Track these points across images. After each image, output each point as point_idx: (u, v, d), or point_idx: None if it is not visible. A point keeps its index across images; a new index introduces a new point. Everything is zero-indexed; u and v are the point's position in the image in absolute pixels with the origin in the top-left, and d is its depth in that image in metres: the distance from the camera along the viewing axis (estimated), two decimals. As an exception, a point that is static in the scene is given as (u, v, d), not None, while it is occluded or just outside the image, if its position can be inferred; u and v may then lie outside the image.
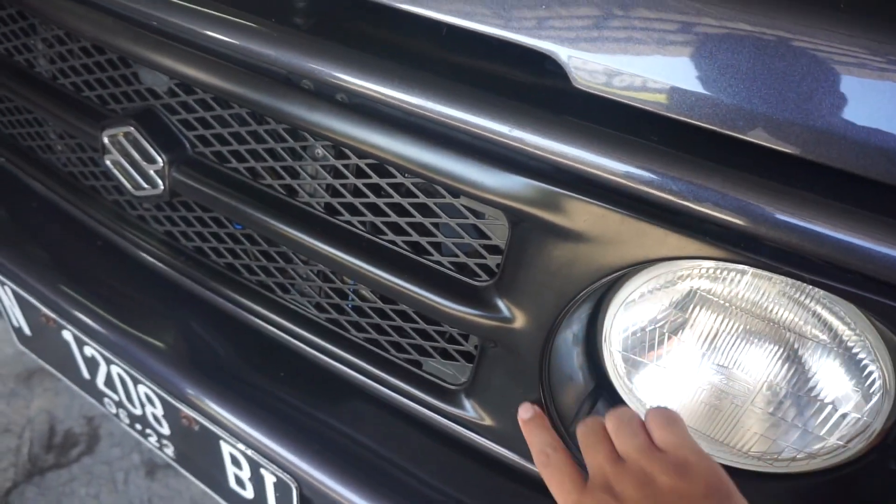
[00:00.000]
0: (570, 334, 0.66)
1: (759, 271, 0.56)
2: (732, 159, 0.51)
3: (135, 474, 1.60)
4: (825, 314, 0.56)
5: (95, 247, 0.98)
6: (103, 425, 1.68)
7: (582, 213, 0.56)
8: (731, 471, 0.66)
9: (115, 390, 0.97)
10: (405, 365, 0.75)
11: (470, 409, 0.71)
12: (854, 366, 0.57)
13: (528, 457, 0.71)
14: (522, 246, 0.60)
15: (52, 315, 0.94)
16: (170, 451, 0.98)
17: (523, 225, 0.60)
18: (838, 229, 0.48)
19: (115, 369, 0.92)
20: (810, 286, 0.55)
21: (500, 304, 0.64)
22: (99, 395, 1.02)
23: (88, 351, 0.94)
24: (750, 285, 0.58)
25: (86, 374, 1.00)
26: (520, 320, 0.63)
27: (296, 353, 0.84)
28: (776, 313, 0.58)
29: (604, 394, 0.71)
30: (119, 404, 0.99)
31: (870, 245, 0.47)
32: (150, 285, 0.92)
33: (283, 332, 0.82)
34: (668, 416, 0.54)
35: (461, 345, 0.70)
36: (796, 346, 0.58)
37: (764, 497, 0.66)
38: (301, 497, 0.80)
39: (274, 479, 0.81)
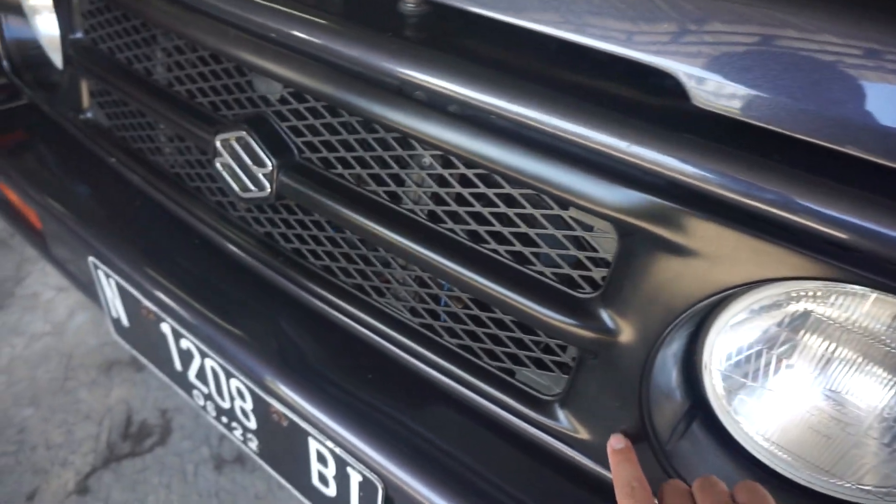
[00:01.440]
0: (672, 351, 0.65)
1: (875, 293, 0.54)
2: (850, 178, 0.51)
3: (204, 467, 1.65)
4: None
5: (195, 245, 1.03)
6: (176, 418, 1.75)
7: (694, 229, 0.56)
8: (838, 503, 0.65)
9: (205, 383, 1.01)
10: (498, 373, 0.76)
11: (564, 420, 0.71)
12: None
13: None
14: (631, 259, 0.61)
15: (153, 308, 0.99)
16: (254, 444, 1.01)
17: (633, 238, 0.60)
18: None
19: (208, 362, 0.96)
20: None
21: (605, 316, 0.64)
22: (189, 387, 1.07)
23: (184, 343, 0.99)
24: (865, 309, 0.56)
25: (178, 367, 1.05)
26: (623, 334, 0.63)
27: (385, 355, 0.86)
28: (892, 338, 0.56)
29: (700, 414, 0.70)
30: (208, 397, 1.03)
31: None
32: (248, 284, 0.96)
33: (376, 334, 0.84)
34: (757, 491, 0.54)
35: (558, 355, 0.71)
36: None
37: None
38: (386, 498, 0.81)
39: (360, 479, 0.82)
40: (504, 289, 0.68)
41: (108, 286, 1.08)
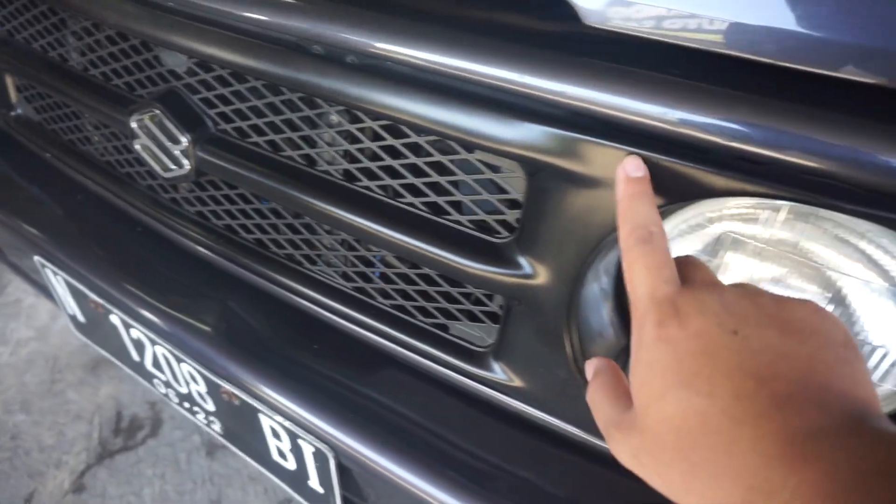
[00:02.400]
0: (598, 288, 0.63)
1: (795, 207, 0.52)
2: (754, 86, 0.48)
3: (196, 455, 1.66)
4: (870, 249, 0.52)
5: (136, 233, 1.01)
6: (165, 409, 1.75)
7: (598, 158, 0.53)
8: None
9: (161, 370, 1.00)
10: (432, 329, 0.74)
11: (498, 371, 0.69)
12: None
13: (559, 416, 0.69)
14: (540, 198, 0.58)
15: (100, 301, 0.98)
16: (217, 427, 1.01)
17: (540, 176, 0.57)
18: (875, 149, 0.44)
19: (159, 350, 0.95)
20: (850, 219, 0.50)
21: (522, 260, 0.62)
22: (149, 377, 1.06)
23: (134, 333, 0.97)
24: (784, 224, 0.54)
25: (135, 357, 1.04)
26: (542, 275, 0.61)
27: (328, 325, 0.84)
28: (815, 253, 0.54)
29: (638, 351, 0.68)
30: (167, 384, 1.03)
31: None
32: (187, 266, 0.95)
33: (314, 304, 0.82)
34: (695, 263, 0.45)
35: (486, 305, 0.69)
36: (840, 286, 0.54)
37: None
38: (339, 465, 0.80)
39: (312, 450, 0.82)
40: (421, 242, 0.65)
41: (58, 283, 1.06)
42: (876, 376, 0.55)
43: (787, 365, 0.34)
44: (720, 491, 0.33)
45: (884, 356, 0.54)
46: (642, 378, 0.38)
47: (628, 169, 0.49)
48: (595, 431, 0.68)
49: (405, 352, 0.77)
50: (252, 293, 0.89)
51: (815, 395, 0.33)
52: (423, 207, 0.67)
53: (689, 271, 0.43)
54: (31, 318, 1.99)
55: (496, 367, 0.70)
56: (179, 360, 0.92)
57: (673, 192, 0.52)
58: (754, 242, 0.56)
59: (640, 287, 0.41)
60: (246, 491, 1.59)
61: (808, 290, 0.55)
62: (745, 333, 0.35)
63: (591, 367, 0.48)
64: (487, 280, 0.63)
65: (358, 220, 0.69)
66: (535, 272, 0.61)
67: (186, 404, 1.03)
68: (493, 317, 0.70)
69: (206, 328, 0.88)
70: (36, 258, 1.05)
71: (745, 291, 0.39)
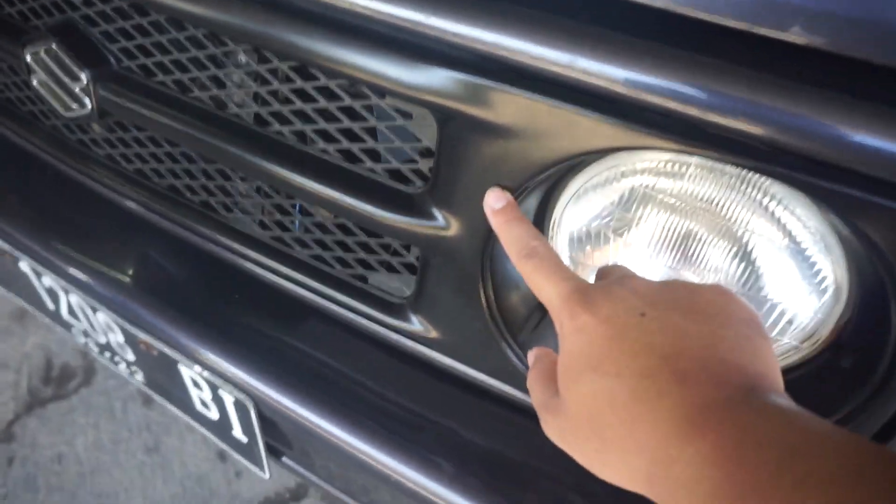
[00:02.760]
0: (513, 241, 0.62)
1: (703, 163, 0.52)
2: (666, 36, 0.46)
3: (132, 403, 1.64)
4: (774, 208, 0.52)
5: (45, 177, 0.95)
6: (99, 359, 1.71)
7: (508, 106, 0.51)
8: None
9: (78, 319, 0.96)
10: (351, 280, 0.73)
11: (416, 323, 0.69)
12: (805, 262, 0.54)
13: (476, 367, 0.69)
14: (451, 147, 0.56)
15: (7, 247, 0.93)
16: (140, 377, 0.99)
17: (451, 124, 0.55)
18: (781, 106, 0.44)
19: (73, 298, 0.91)
20: (757, 176, 0.51)
21: (435, 211, 0.60)
22: (66, 325, 1.02)
23: (46, 281, 0.93)
24: (693, 179, 0.54)
25: (50, 305, 1.00)
26: (455, 227, 0.60)
27: (248, 275, 0.82)
28: (723, 209, 0.54)
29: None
30: (85, 333, 0.99)
31: (813, 121, 0.43)
32: (101, 213, 0.90)
33: (232, 252, 0.80)
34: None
35: (404, 256, 0.68)
36: (745, 243, 0.54)
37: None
38: (259, 415, 0.80)
39: (232, 400, 0.80)
40: (335, 190, 0.63)
41: (-39, 229, 1.00)
42: (774, 332, 0.56)
43: (689, 343, 0.36)
44: (629, 465, 0.35)
45: (781, 313, 0.55)
46: (564, 366, 0.40)
47: (491, 202, 0.52)
48: (510, 381, 0.68)
49: (325, 302, 0.76)
50: (169, 241, 0.86)
51: (714, 370, 0.35)
52: (336, 155, 0.65)
53: (605, 272, 0.48)
54: (-50, 263, 1.89)
55: (414, 318, 0.69)
56: (95, 310, 0.88)
57: (583, 142, 0.51)
58: (665, 196, 0.55)
59: (546, 292, 0.44)
60: (184, 439, 1.58)
61: (716, 245, 0.56)
62: (652, 315, 0.38)
63: (531, 355, 0.51)
64: (401, 231, 0.62)
65: (270, 167, 0.66)
66: (449, 223, 0.60)
67: (107, 354, 1.00)
68: (410, 268, 0.69)
69: (121, 277, 0.84)
70: (-67, 202, 0.98)
71: (655, 281, 0.42)
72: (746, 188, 0.52)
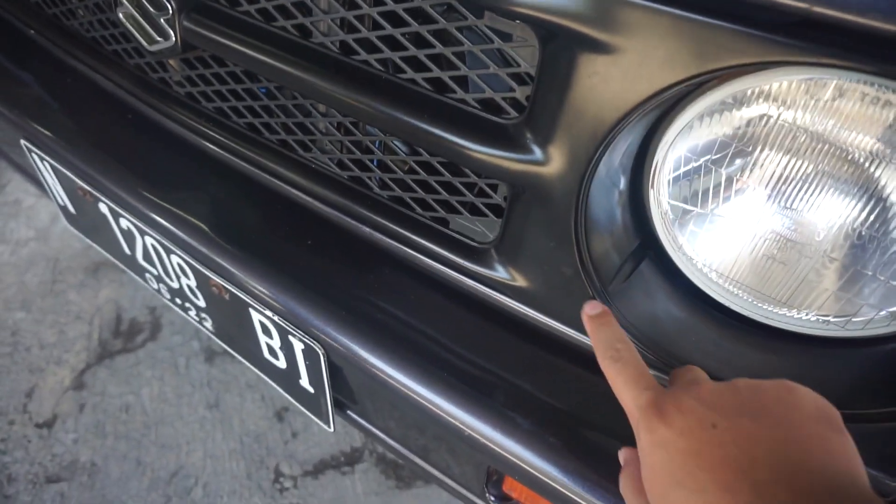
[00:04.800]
0: (611, 180, 0.58)
1: (834, 80, 0.45)
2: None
3: (195, 360, 1.66)
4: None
5: (126, 119, 0.95)
6: (165, 315, 1.75)
7: (620, 18, 0.46)
8: (798, 338, 0.59)
9: (152, 264, 0.96)
10: (432, 224, 0.69)
11: (500, 269, 0.65)
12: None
13: (561, 320, 0.65)
14: (554, 70, 0.52)
15: (88, 188, 0.94)
16: (209, 325, 0.98)
17: (555, 43, 0.51)
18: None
19: (148, 240, 0.91)
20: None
21: (531, 143, 0.56)
22: (141, 271, 1.03)
23: (124, 223, 0.93)
24: (824, 101, 0.47)
25: (126, 249, 1.01)
26: (552, 161, 0.55)
27: (323, 219, 0.80)
28: (854, 138, 0.48)
29: (650, 254, 0.63)
30: (159, 279, 0.99)
31: None
32: (179, 154, 0.89)
33: (307, 194, 0.78)
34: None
35: (491, 197, 0.64)
36: (879, 178, 0.48)
37: (836, 368, 0.58)
38: (329, 364, 0.78)
39: (302, 347, 0.79)
40: (423, 122, 0.60)
41: (45, 170, 1.02)
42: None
43: (762, 450, 0.38)
44: None
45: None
46: (649, 481, 0.42)
47: (588, 310, 0.54)
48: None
49: (403, 248, 0.73)
50: (245, 184, 0.85)
51: (790, 477, 0.36)
52: (425, 84, 0.61)
53: (676, 375, 0.49)
54: (31, 218, 1.96)
55: (498, 264, 0.65)
56: (169, 252, 0.88)
57: (695, 61, 0.45)
58: (788, 129, 0.49)
59: (626, 399, 0.47)
60: (243, 397, 1.60)
61: (838, 187, 0.49)
62: (724, 426, 0.40)
63: (621, 455, 0.53)
64: (492, 166, 0.58)
65: (354, 97, 0.63)
66: (546, 157, 0.55)
67: (178, 300, 1.00)
68: (496, 210, 0.65)
69: (196, 219, 0.84)
70: (22, 142, 1.00)
71: (721, 384, 0.44)
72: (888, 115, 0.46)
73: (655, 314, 0.61)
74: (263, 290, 0.78)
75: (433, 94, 0.60)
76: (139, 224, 0.89)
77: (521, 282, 0.64)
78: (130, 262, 1.03)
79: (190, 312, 1.00)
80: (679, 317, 0.61)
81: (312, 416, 0.92)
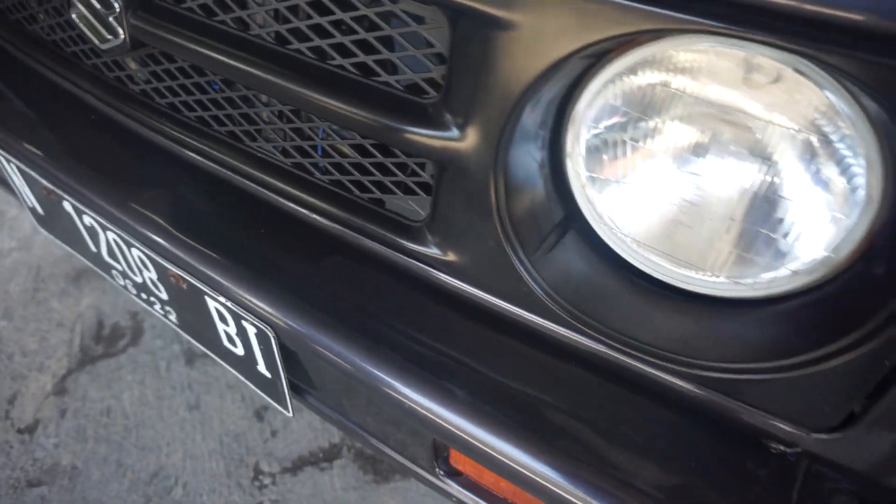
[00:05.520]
0: (530, 153, 0.61)
1: (724, 48, 0.48)
2: None
3: (176, 363, 1.69)
4: (807, 102, 0.49)
5: (87, 119, 0.99)
6: (147, 319, 1.77)
7: (518, -3, 0.50)
8: (708, 300, 0.61)
9: (116, 259, 0.99)
10: (369, 205, 0.72)
11: (432, 245, 0.68)
12: (837, 163, 0.50)
13: (491, 292, 0.68)
14: (464, 49, 0.55)
15: (52, 187, 0.97)
16: (174, 317, 1.01)
17: (462, 24, 0.54)
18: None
19: (110, 235, 0.94)
20: (788, 64, 0.47)
21: (449, 119, 0.59)
22: (107, 268, 1.05)
23: (87, 220, 0.96)
24: (715, 71, 0.50)
25: (92, 247, 1.04)
26: (468, 136, 0.58)
27: (272, 207, 0.83)
28: (748, 105, 0.51)
29: (574, 226, 0.66)
30: (124, 274, 1.02)
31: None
32: (136, 151, 0.93)
33: (256, 183, 0.81)
34: None
35: (420, 176, 0.67)
36: (765, 141, 0.51)
37: (746, 327, 0.60)
38: (281, 346, 0.80)
39: (255, 331, 0.81)
40: (352, 105, 0.63)
41: (12, 172, 1.05)
42: (805, 240, 0.53)
43: None
44: None
45: (813, 217, 0.52)
46: None
47: None
48: (524, 305, 0.66)
49: (344, 230, 0.75)
50: (199, 176, 0.88)
51: None
52: (354, 70, 0.64)
53: None
54: (14, 229, 1.99)
55: (430, 240, 0.68)
56: (129, 245, 0.91)
57: (586, 33, 0.48)
58: (688, 96, 0.53)
59: None
60: (224, 398, 1.62)
61: (742, 150, 0.52)
62: None
63: None
64: (417, 144, 0.61)
65: (290, 85, 0.66)
66: (463, 133, 0.58)
67: (143, 295, 1.03)
68: (426, 189, 0.68)
69: (153, 212, 0.87)
70: (-10, 146, 1.03)
71: None
72: (775, 82, 0.49)
73: (578, 281, 0.63)
74: (216, 277, 0.81)
75: (361, 79, 0.63)
76: (100, 220, 0.92)
77: (451, 256, 0.67)
78: (97, 259, 1.06)
79: (155, 307, 1.03)
80: (600, 283, 0.64)
81: (272, 402, 0.95)
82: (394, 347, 0.71)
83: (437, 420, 0.68)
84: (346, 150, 0.70)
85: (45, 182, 0.97)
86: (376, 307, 0.74)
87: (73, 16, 0.80)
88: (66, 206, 0.98)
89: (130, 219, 0.88)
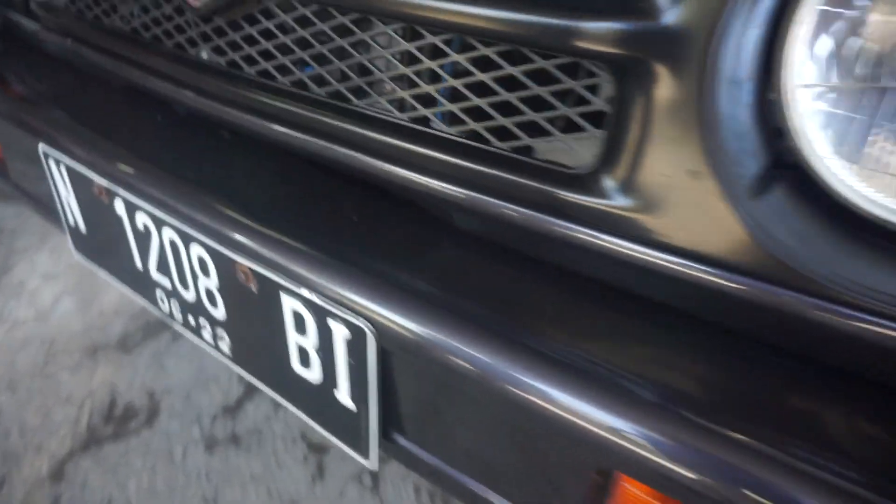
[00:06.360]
0: (736, 82, 0.47)
1: None
2: None
3: (194, 448, 1.45)
4: None
5: (147, 108, 0.88)
6: (164, 399, 1.56)
7: None
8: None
9: (167, 271, 0.84)
10: (514, 155, 0.58)
11: (612, 195, 0.52)
12: None
13: (694, 246, 0.51)
14: None
15: (104, 183, 0.84)
16: (225, 344, 0.83)
17: None
18: None
19: (167, 235, 0.79)
20: None
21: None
22: (151, 288, 0.89)
23: (140, 221, 0.82)
24: None
25: (138, 262, 0.88)
26: (675, 12, 0.45)
27: (368, 186, 0.69)
28: None
29: (791, 167, 0.51)
30: (171, 293, 0.86)
31: None
32: (203, 134, 0.81)
33: (358, 150, 0.67)
34: None
35: (590, 104, 0.53)
36: None
37: None
38: (381, 355, 0.62)
39: (346, 334, 0.63)
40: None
41: (60, 178, 0.93)
42: None
43: None
44: None
45: None
46: None
47: None
48: (746, 264, 0.49)
49: (475, 197, 0.60)
50: (277, 158, 0.75)
51: None
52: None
53: None
54: (34, 299, 1.84)
55: (607, 187, 0.52)
56: (189, 242, 0.76)
57: None
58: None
59: None
60: (246, 490, 1.37)
61: None
62: None
63: None
64: (599, 35, 0.48)
65: None
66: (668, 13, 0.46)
67: (192, 318, 0.86)
68: (596, 122, 0.54)
69: (221, 198, 0.73)
70: (40, 146, 0.91)
71: None
72: None
73: (800, 234, 0.47)
74: (297, 269, 0.65)
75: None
76: (159, 214, 0.78)
77: (636, 209, 0.51)
78: (140, 280, 0.90)
79: (204, 333, 0.85)
80: (824, 236, 0.48)
81: (348, 449, 0.74)
82: (554, 351, 0.53)
83: (614, 437, 0.49)
84: (490, 83, 0.57)
85: (98, 179, 0.84)
86: (527, 297, 0.57)
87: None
88: (118, 206, 0.84)
89: (194, 208, 0.73)
